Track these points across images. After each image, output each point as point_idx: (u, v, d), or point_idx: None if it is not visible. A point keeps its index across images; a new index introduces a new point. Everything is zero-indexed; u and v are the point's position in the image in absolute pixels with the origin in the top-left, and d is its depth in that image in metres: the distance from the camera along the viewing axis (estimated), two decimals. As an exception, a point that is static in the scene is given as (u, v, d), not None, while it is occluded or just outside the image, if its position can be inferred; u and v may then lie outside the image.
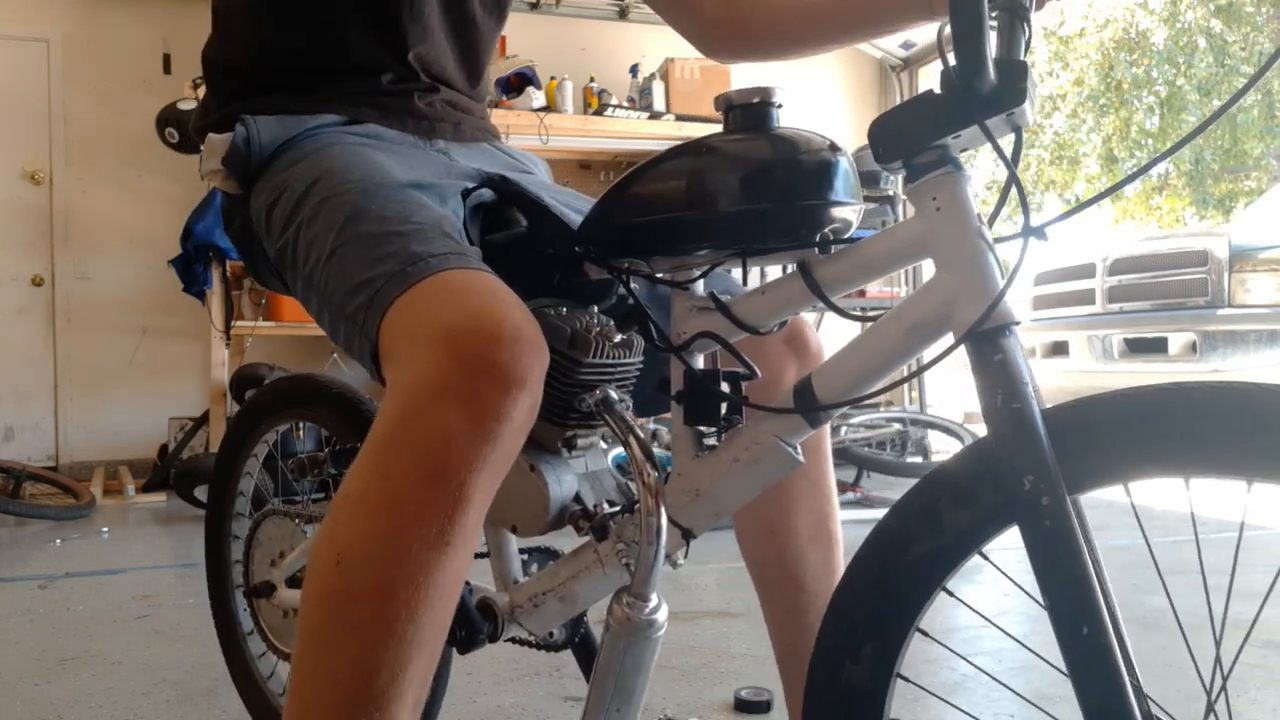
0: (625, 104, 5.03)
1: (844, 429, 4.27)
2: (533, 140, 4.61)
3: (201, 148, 1.04)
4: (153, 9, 4.81)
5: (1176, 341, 4.14)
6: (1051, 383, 4.77)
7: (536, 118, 4.61)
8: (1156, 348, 4.24)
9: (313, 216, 0.90)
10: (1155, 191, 14.56)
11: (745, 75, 5.12)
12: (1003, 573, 0.77)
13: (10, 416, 4.67)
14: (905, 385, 5.46)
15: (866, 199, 4.28)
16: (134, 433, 4.77)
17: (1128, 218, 14.74)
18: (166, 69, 4.86)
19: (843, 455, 3.99)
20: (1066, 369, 4.69)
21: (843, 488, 3.85)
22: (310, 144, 0.98)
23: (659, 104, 4.94)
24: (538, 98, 4.71)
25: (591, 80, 5.09)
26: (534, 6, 5.25)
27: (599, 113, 4.91)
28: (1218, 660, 0.70)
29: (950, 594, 0.75)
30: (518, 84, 4.73)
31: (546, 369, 0.76)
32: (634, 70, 5.18)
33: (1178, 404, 0.63)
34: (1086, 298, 4.62)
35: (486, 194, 1.01)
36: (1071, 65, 14.54)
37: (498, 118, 4.53)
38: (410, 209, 0.86)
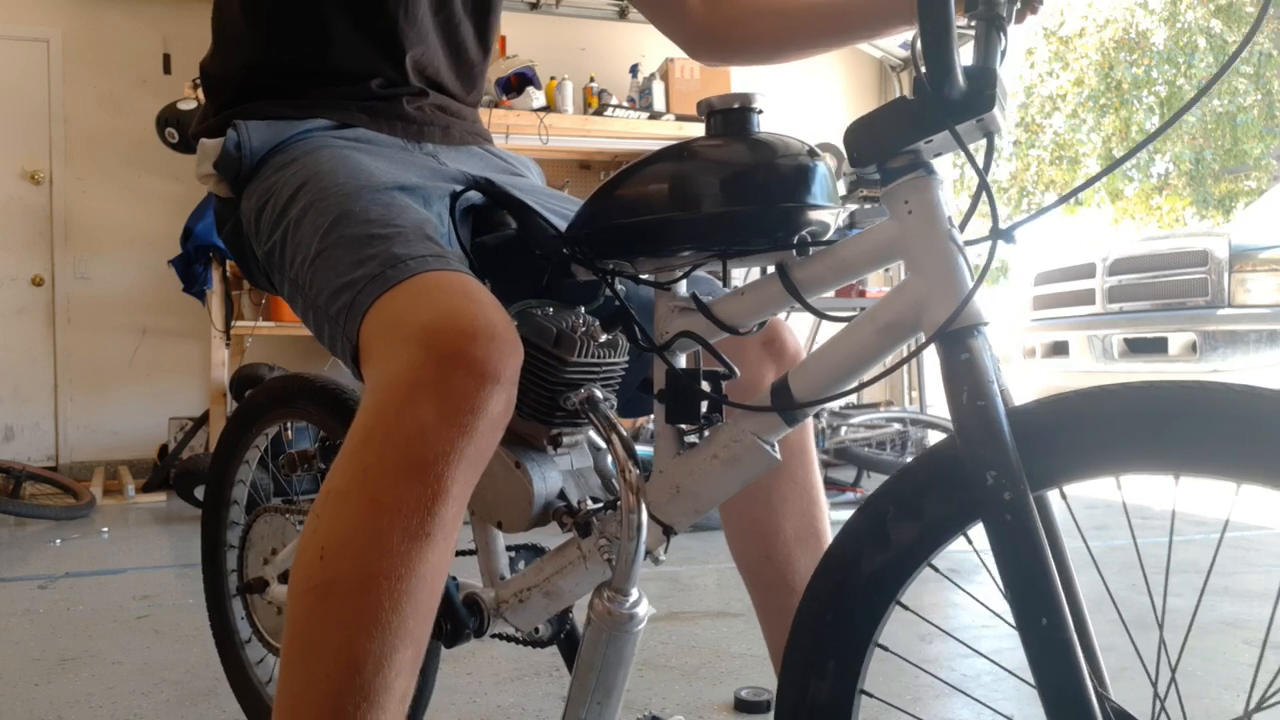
0: (625, 104, 5.02)
1: (844, 429, 4.26)
2: (533, 140, 4.60)
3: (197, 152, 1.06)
4: (153, 9, 4.82)
5: (1176, 341, 4.15)
6: (1052, 382, 4.77)
7: (536, 118, 4.61)
8: (1156, 348, 4.25)
9: (299, 219, 0.91)
10: (1155, 191, 14.57)
11: (745, 74, 5.12)
12: (955, 584, 0.77)
13: (10, 416, 4.67)
14: (906, 386, 5.46)
15: (866, 199, 4.28)
16: (134, 433, 4.77)
17: (1128, 218, 14.74)
18: (166, 69, 4.86)
19: (843, 455, 3.99)
20: (1067, 369, 4.69)
21: (843, 488, 3.85)
22: (299, 148, 1.00)
23: (659, 104, 4.94)
24: (538, 98, 4.71)
25: (591, 80, 5.09)
26: (534, 6, 5.25)
27: (599, 113, 4.91)
28: (1161, 642, 0.70)
29: (905, 607, 0.77)
30: (518, 84, 4.73)
31: (520, 367, 0.78)
32: (634, 70, 5.18)
33: (1113, 404, 0.65)
34: (1086, 298, 4.62)
35: (475, 196, 1.03)
36: (1071, 65, 14.54)
37: (498, 118, 4.52)
38: (393, 212, 0.88)
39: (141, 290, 4.81)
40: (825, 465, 3.67)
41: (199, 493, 3.66)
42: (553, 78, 4.91)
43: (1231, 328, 3.98)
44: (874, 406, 4.56)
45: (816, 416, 4.18)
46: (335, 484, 0.76)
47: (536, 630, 1.03)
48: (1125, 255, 4.45)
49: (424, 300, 0.77)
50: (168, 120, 4.23)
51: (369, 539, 0.73)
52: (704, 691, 1.66)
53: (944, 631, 0.71)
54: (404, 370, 0.74)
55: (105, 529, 3.47)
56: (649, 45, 5.35)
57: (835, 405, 4.65)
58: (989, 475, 0.65)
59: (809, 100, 5.67)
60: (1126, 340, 4.37)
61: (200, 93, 4.31)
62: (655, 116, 4.91)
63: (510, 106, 4.66)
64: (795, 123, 5.43)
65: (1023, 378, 5.11)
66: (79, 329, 4.74)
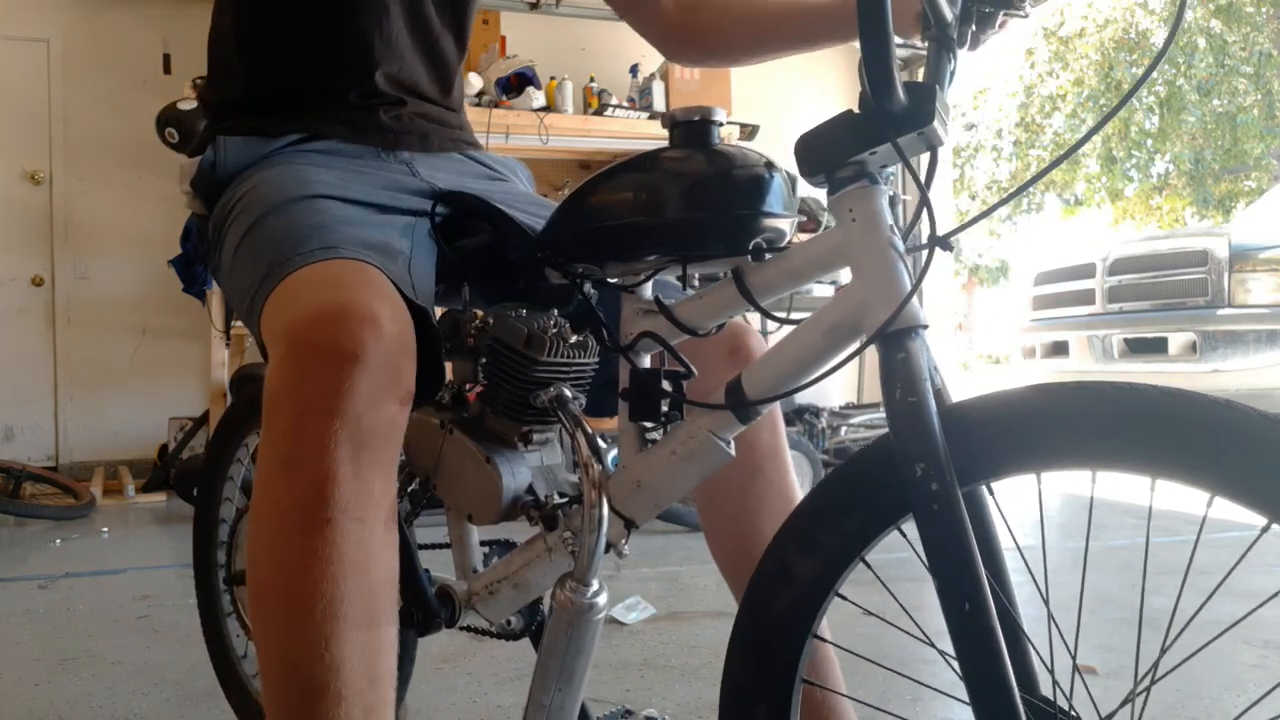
0: (625, 104, 5.02)
1: (844, 429, 4.27)
2: (533, 140, 4.60)
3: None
4: (153, 9, 4.81)
5: (1176, 341, 4.15)
6: (1051, 383, 4.77)
7: (536, 118, 4.60)
8: (1156, 348, 4.25)
9: (229, 232, 0.96)
10: (1155, 191, 14.56)
11: (747, 73, 5.12)
12: (885, 585, 0.77)
13: (10, 416, 4.66)
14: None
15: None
16: (134, 433, 4.77)
17: (1128, 218, 14.74)
18: (166, 69, 4.86)
19: (842, 455, 3.98)
20: (1067, 369, 4.69)
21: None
22: (263, 164, 1.04)
23: (659, 104, 4.94)
24: (538, 98, 4.71)
25: (591, 80, 5.09)
26: (534, 6, 5.24)
27: (599, 113, 4.91)
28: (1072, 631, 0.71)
29: (821, 639, 0.80)
30: (518, 84, 4.72)
31: (396, 340, 0.78)
32: (634, 70, 5.18)
33: (1036, 403, 0.68)
34: (1086, 298, 4.62)
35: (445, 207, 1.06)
36: (1071, 65, 14.53)
37: (498, 118, 4.52)
38: (306, 214, 0.90)
39: (141, 290, 4.81)
40: (826, 465, 3.67)
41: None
42: (553, 78, 4.91)
43: (1231, 328, 3.98)
44: (874, 406, 4.56)
45: (817, 416, 4.19)
46: (252, 499, 0.80)
47: (508, 622, 1.06)
48: (1125, 255, 4.45)
49: (294, 295, 0.80)
50: (168, 120, 4.22)
51: (273, 540, 0.77)
52: (704, 691, 1.66)
53: (927, 641, 0.72)
54: (274, 372, 0.77)
55: (105, 529, 3.47)
56: (649, 45, 5.35)
57: (835, 405, 4.65)
58: (918, 468, 0.68)
59: (812, 100, 5.67)
60: (1126, 340, 4.37)
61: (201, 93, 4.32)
62: (655, 116, 4.91)
63: (510, 106, 4.66)
64: (803, 122, 5.43)
65: (1023, 378, 5.11)
66: (79, 329, 4.74)
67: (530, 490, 0.97)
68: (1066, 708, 0.72)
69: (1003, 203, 0.77)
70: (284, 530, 0.76)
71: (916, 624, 0.80)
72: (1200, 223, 13.48)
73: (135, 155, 4.77)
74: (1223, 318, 4.00)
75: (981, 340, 20.51)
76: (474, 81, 4.62)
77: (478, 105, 4.61)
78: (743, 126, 4.88)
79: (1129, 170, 14.43)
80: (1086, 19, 14.08)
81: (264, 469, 0.78)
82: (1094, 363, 4.52)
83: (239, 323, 4.30)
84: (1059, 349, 4.77)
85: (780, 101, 5.58)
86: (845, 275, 0.79)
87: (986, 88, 15.98)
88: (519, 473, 0.96)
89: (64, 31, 4.73)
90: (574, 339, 0.95)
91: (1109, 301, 4.49)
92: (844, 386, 5.40)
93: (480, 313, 1.03)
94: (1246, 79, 12.89)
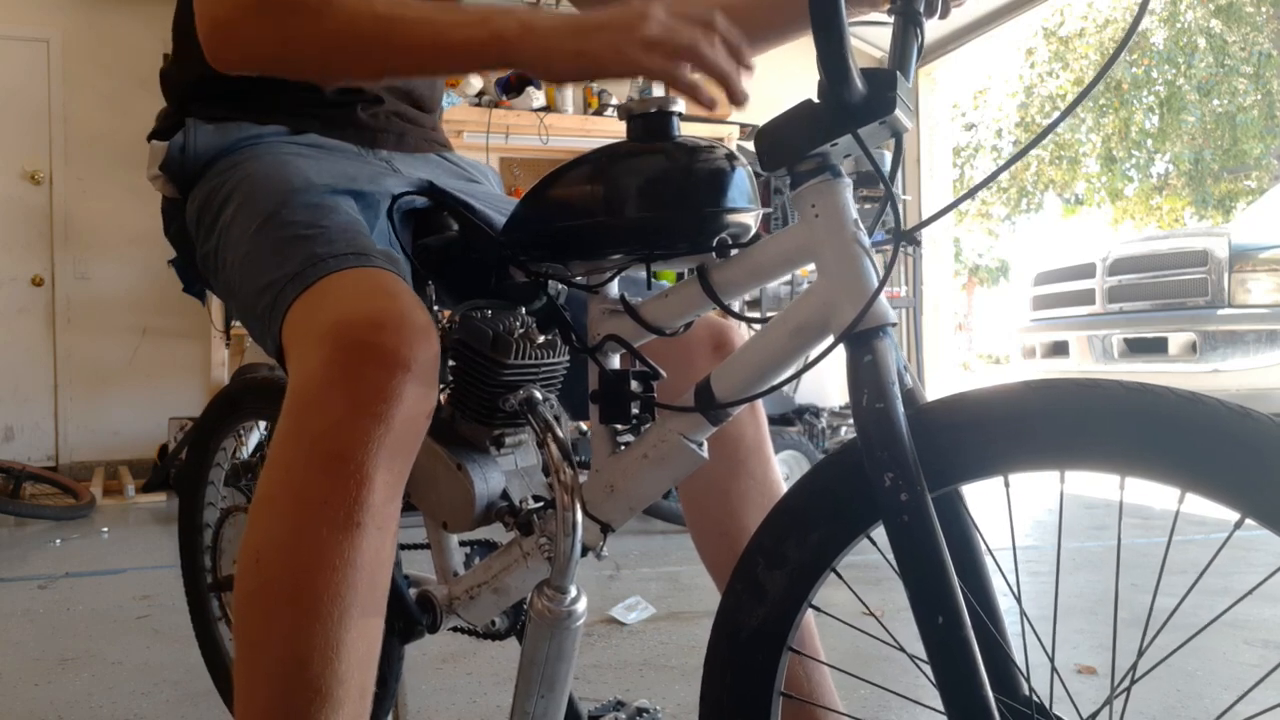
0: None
1: (844, 428, 4.27)
2: (533, 140, 4.60)
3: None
4: (153, 9, 4.81)
5: (1176, 341, 4.15)
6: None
7: (536, 118, 4.61)
8: (1156, 348, 4.25)
9: (231, 221, 0.94)
10: (1155, 191, 14.57)
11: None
12: (856, 593, 0.77)
13: (10, 416, 4.66)
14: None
15: (866, 199, 4.27)
16: (134, 433, 4.77)
17: (1128, 218, 14.75)
18: (166, 69, 4.87)
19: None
20: (1066, 369, 4.69)
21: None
22: (246, 152, 1.02)
23: (659, 104, 4.94)
24: (538, 98, 4.71)
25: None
26: (534, 7, 5.24)
27: (599, 113, 4.91)
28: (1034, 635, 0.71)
29: (796, 651, 0.78)
30: (517, 84, 4.72)
31: (437, 356, 0.79)
32: (634, 70, 5.18)
33: (1003, 403, 0.66)
34: (1086, 298, 4.62)
35: (419, 200, 1.05)
36: (1071, 65, 14.54)
37: (498, 118, 4.52)
38: (320, 214, 0.90)
39: (141, 290, 4.81)
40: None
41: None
42: (553, 78, 4.91)
43: (1231, 328, 3.98)
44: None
45: (817, 416, 4.19)
46: (264, 489, 0.78)
47: (493, 623, 1.04)
48: (1125, 255, 4.44)
49: (337, 297, 0.79)
50: (168, 120, 4.23)
51: (298, 535, 0.74)
52: (704, 691, 1.66)
53: (897, 646, 0.71)
54: (316, 367, 0.75)
55: (105, 529, 3.47)
56: (649, 45, 5.33)
57: (835, 405, 4.65)
58: (887, 477, 0.66)
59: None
60: (1126, 340, 4.37)
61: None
62: (655, 116, 4.91)
63: (510, 106, 4.66)
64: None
65: (1022, 378, 5.10)
66: (79, 329, 4.74)
67: (505, 495, 0.95)
68: (1048, 710, 0.71)
69: (964, 198, 0.75)
70: (310, 525, 0.74)
71: (888, 631, 0.79)
72: (1200, 223, 13.49)
73: (135, 155, 4.77)
74: (1223, 318, 4.00)
75: (981, 340, 20.53)
76: (474, 81, 4.62)
77: (478, 105, 4.61)
78: (742, 126, 4.88)
79: (1129, 170, 14.43)
80: (1086, 19, 14.09)
81: (293, 459, 0.75)
82: (1094, 363, 4.52)
83: (238, 322, 4.30)
84: (1059, 349, 4.77)
85: (780, 101, 5.56)
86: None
87: (986, 88, 15.99)
88: (492, 478, 0.94)
89: (64, 31, 4.73)
90: (542, 339, 0.92)
91: (1109, 301, 4.49)
92: (844, 386, 5.39)
93: (448, 312, 1.01)
94: (1246, 79, 12.90)
